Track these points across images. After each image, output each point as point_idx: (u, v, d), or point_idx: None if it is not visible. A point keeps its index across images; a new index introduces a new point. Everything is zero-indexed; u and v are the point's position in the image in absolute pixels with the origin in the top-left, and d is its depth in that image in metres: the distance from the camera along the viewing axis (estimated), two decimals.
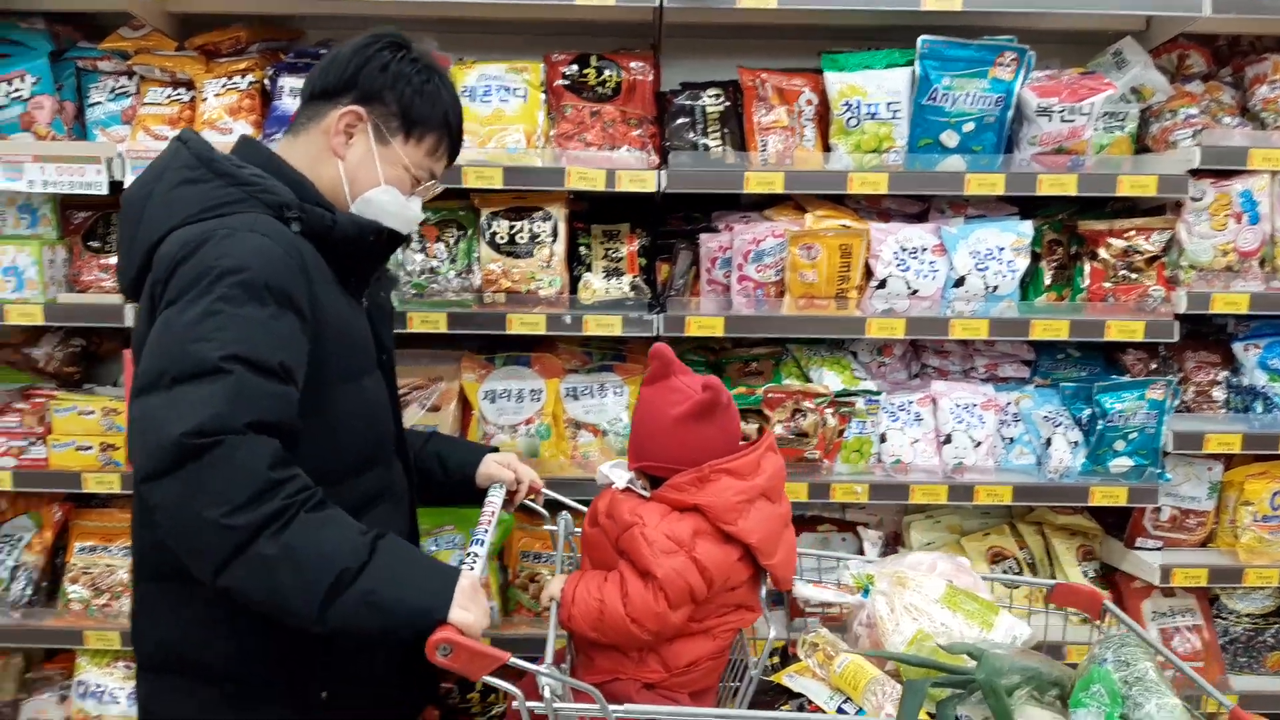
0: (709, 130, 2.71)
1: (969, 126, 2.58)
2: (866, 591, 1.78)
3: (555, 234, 2.62)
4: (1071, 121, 2.56)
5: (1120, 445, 2.60)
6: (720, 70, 2.82)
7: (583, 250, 2.72)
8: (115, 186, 2.51)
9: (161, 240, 1.49)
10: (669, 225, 2.86)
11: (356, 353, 1.68)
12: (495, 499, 1.87)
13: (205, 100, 2.67)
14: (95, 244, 2.73)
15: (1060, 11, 2.59)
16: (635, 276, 2.67)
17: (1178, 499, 2.74)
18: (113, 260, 2.68)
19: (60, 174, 2.51)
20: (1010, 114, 2.58)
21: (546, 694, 1.38)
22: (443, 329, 2.53)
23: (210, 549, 1.30)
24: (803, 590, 1.80)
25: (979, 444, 2.67)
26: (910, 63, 2.58)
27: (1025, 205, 2.77)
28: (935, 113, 2.58)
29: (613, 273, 2.69)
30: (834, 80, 2.59)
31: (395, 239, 1.73)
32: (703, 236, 2.69)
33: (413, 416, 2.67)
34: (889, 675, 1.57)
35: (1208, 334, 2.87)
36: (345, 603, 1.33)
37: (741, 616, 1.64)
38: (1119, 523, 2.83)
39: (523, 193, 2.63)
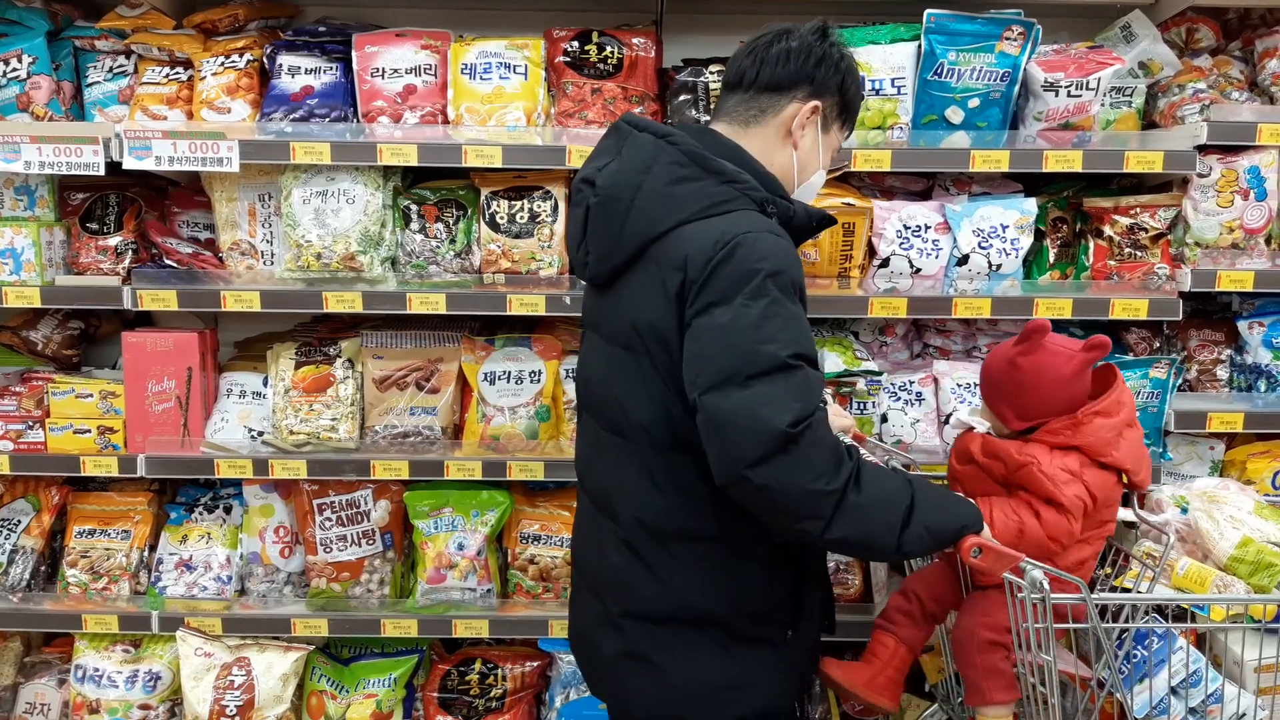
0: (711, 106, 2.68)
1: (974, 102, 2.54)
2: (1185, 509, 2.10)
3: (556, 213, 2.60)
4: (1078, 97, 2.52)
5: None
6: (723, 46, 2.77)
7: None
8: (112, 167, 2.51)
9: (665, 234, 1.63)
10: None
11: None
12: None
13: (203, 79, 2.64)
14: (93, 225, 2.71)
15: None
16: None
17: (1179, 479, 2.73)
18: (112, 241, 2.67)
19: (58, 155, 2.49)
20: (1016, 89, 2.54)
21: (1038, 578, 1.67)
22: (442, 310, 2.52)
23: (820, 512, 1.54)
24: (1125, 515, 2.06)
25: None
26: (916, 38, 2.54)
27: (1030, 182, 2.74)
28: (940, 88, 2.54)
29: None
30: None
31: (825, 223, 1.84)
32: None
33: (411, 398, 2.67)
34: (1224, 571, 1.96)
35: (1213, 312, 2.85)
36: (911, 531, 1.61)
37: (1107, 527, 1.93)
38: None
39: (523, 172, 2.62)
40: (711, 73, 2.71)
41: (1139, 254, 2.60)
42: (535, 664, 2.83)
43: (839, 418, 2.09)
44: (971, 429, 1.98)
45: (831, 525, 1.55)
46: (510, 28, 2.75)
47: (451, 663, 2.85)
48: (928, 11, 2.48)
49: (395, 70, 2.62)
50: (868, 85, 2.53)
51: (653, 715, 1.80)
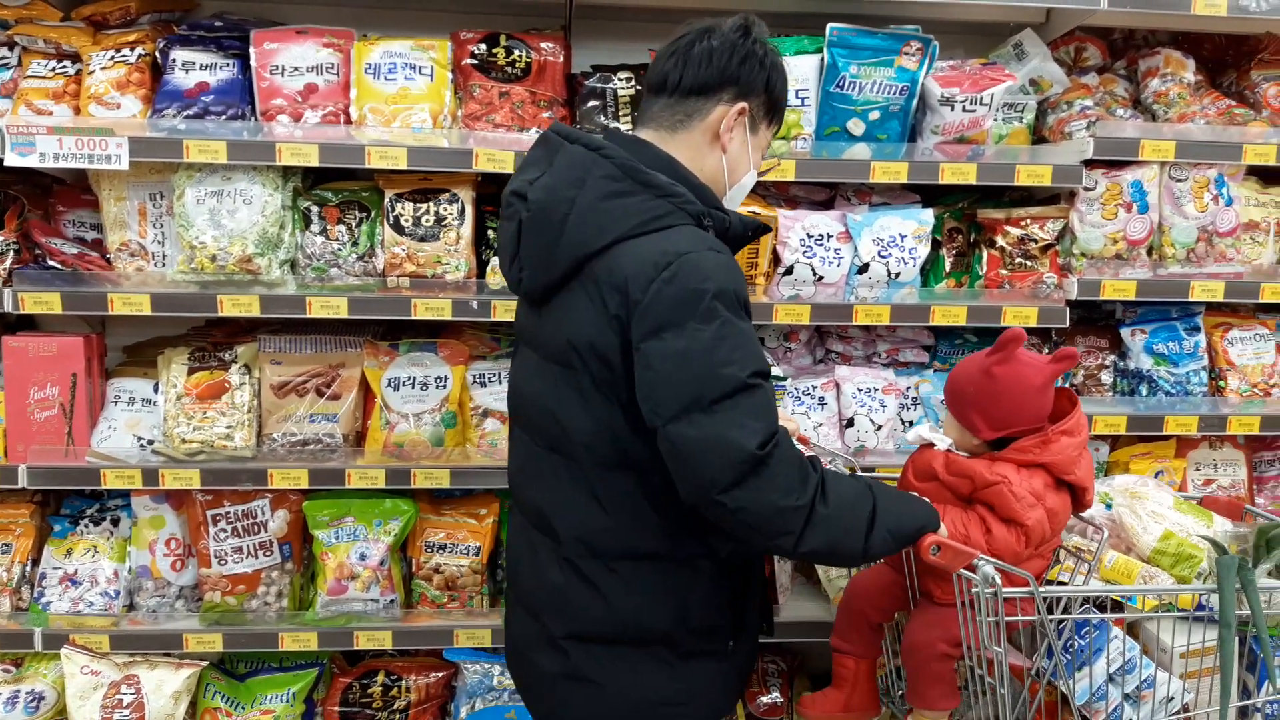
0: (620, 114, 2.69)
1: (875, 115, 2.61)
2: (1109, 505, 2.18)
3: (462, 216, 2.57)
4: (973, 111, 2.61)
5: None
6: (632, 54, 2.80)
7: (491, 234, 2.67)
8: None
9: (602, 250, 1.60)
10: None
11: None
12: None
13: (92, 73, 2.54)
14: None
15: (964, 2, 2.64)
16: None
17: None
18: None
19: None
20: (915, 103, 2.62)
21: (990, 574, 1.74)
22: (344, 314, 2.47)
23: (791, 528, 1.56)
24: None
25: (880, 427, 2.72)
26: (819, 50, 2.60)
27: (927, 194, 2.83)
28: (843, 100, 2.60)
29: None
30: None
31: (760, 232, 1.83)
32: None
33: (311, 405, 2.60)
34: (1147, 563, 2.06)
35: (1097, 319, 2.97)
36: (875, 535, 1.64)
37: (1056, 541, 2.00)
38: None
39: (428, 174, 2.58)
40: (621, 79, 2.72)
41: (1029, 264, 2.70)
42: (440, 674, 2.79)
43: (784, 421, 2.12)
44: (931, 445, 2.00)
45: (803, 538, 1.57)
46: (416, 28, 2.71)
47: (353, 675, 2.78)
48: (830, 25, 2.54)
49: (296, 68, 2.56)
50: None
51: None
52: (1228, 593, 1.82)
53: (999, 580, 1.73)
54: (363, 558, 2.64)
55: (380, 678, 2.77)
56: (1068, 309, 2.64)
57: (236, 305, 2.46)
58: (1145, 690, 1.89)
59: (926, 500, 1.83)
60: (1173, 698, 1.91)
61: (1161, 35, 3.05)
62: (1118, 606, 1.96)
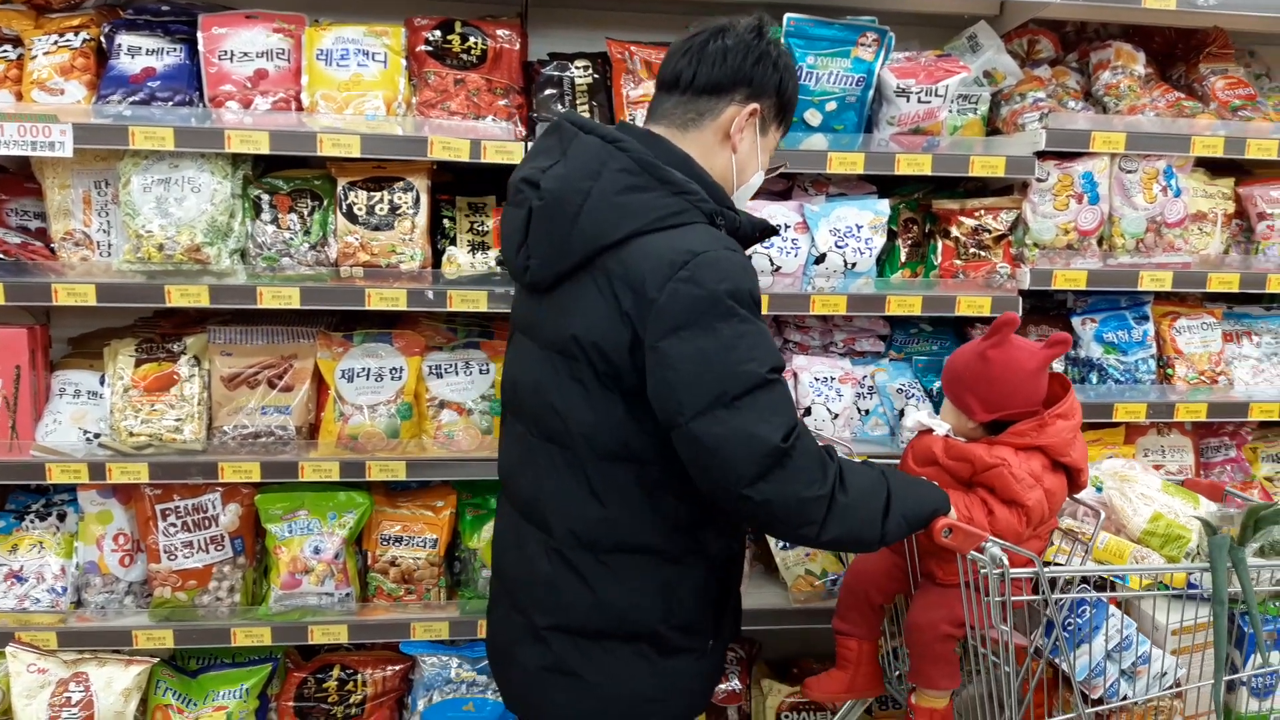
0: (577, 102, 2.67)
1: (831, 105, 2.62)
2: (1099, 488, 2.27)
3: (417, 205, 2.54)
4: (928, 103, 2.63)
5: None
6: (589, 42, 2.78)
7: (446, 223, 2.65)
8: None
9: (617, 244, 1.60)
10: None
11: None
12: None
13: (34, 58, 2.47)
14: None
15: None
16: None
17: None
18: None
19: None
20: (871, 94, 2.63)
21: (997, 555, 1.81)
22: (296, 304, 2.42)
23: (814, 518, 1.60)
24: None
25: (836, 416, 2.74)
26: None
27: (883, 184, 2.84)
28: (801, 91, 2.58)
29: (479, 246, 2.63)
30: None
31: (768, 233, 1.84)
32: None
33: (263, 397, 2.56)
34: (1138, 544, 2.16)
35: (1049, 309, 3.02)
36: (890, 521, 1.69)
37: (1053, 522, 2.07)
38: None
39: (383, 162, 2.54)
40: (578, 67, 2.70)
41: (983, 254, 2.73)
42: (397, 668, 2.76)
43: None
44: (930, 430, 2.06)
45: (825, 527, 1.61)
46: (369, 14, 2.67)
47: (308, 670, 2.75)
48: (787, 15, 2.54)
49: (245, 54, 2.51)
50: None
51: None
52: (1220, 571, 1.94)
53: (1006, 560, 1.81)
54: (317, 551, 2.61)
55: (336, 672, 2.74)
56: (1020, 298, 2.67)
57: (185, 295, 2.41)
58: (1141, 666, 1.98)
59: (935, 484, 1.88)
60: (1165, 673, 2.00)
61: (1113, 28, 3.09)
62: (1110, 586, 2.04)
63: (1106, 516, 2.18)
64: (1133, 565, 2.10)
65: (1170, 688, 2.01)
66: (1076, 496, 2.14)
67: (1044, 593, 1.86)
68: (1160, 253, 2.79)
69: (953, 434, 2.04)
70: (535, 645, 1.78)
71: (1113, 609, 1.99)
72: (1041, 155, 2.66)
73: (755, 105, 1.75)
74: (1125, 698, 1.99)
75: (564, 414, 1.69)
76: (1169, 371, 2.87)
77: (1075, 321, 2.89)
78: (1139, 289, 2.74)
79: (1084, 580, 2.00)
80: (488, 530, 2.64)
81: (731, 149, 1.76)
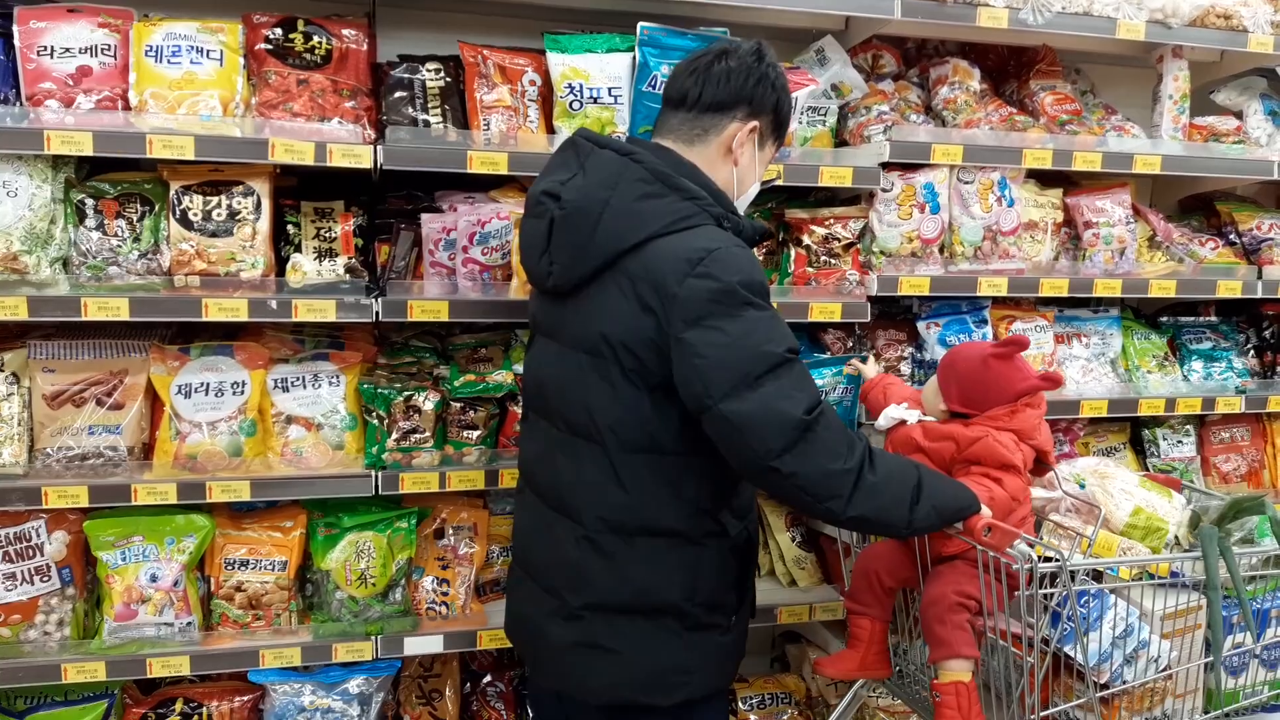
0: (429, 106, 2.60)
1: None
2: (1082, 485, 2.39)
3: (259, 210, 2.43)
4: None
5: None
6: (441, 44, 2.72)
7: (291, 229, 2.53)
8: None
9: (636, 247, 1.77)
10: (388, 204, 2.73)
11: None
12: None
13: None
14: None
15: (768, 7, 2.70)
16: (351, 258, 2.53)
17: None
18: None
19: None
20: None
21: (1026, 551, 1.90)
22: (125, 316, 2.28)
23: (841, 491, 1.72)
24: (1053, 494, 2.42)
25: None
26: (631, 49, 2.59)
27: None
28: (655, 100, 2.59)
29: (326, 253, 2.53)
30: (556, 61, 2.56)
31: (766, 237, 2.03)
32: (425, 217, 2.58)
33: (90, 416, 2.40)
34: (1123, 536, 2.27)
35: (896, 314, 3.12)
36: (920, 509, 1.80)
37: (1028, 509, 2.17)
38: None
39: (220, 165, 2.41)
40: (429, 70, 2.63)
41: (833, 261, 2.80)
42: (246, 698, 2.63)
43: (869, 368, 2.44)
44: (904, 421, 2.20)
45: (851, 502, 1.73)
46: (203, 9, 2.53)
47: (148, 705, 2.59)
48: (641, 25, 2.54)
49: (67, 49, 2.35)
50: (586, 93, 2.56)
51: (605, 699, 1.92)
52: (1211, 559, 2.12)
53: (1035, 556, 1.91)
54: (154, 579, 2.45)
55: (178, 706, 2.59)
56: (869, 304, 2.76)
57: (1, 308, 2.23)
58: (1140, 650, 2.12)
59: (965, 485, 1.97)
60: (1158, 657, 2.14)
61: (951, 45, 3.23)
62: (1099, 576, 2.22)
63: (1086, 511, 2.35)
64: (1147, 556, 2.25)
65: (1164, 670, 2.16)
66: (1071, 492, 2.35)
67: (1066, 587, 1.96)
68: (997, 260, 2.94)
69: (924, 418, 2.19)
70: (568, 623, 1.91)
71: (1115, 597, 2.13)
72: (886, 166, 2.76)
73: (755, 123, 1.93)
74: (1125, 682, 2.13)
75: (591, 409, 1.84)
76: None
77: (920, 326, 3.00)
78: (978, 294, 2.87)
79: (1086, 572, 2.14)
80: (340, 550, 2.54)
81: (733, 162, 1.94)
